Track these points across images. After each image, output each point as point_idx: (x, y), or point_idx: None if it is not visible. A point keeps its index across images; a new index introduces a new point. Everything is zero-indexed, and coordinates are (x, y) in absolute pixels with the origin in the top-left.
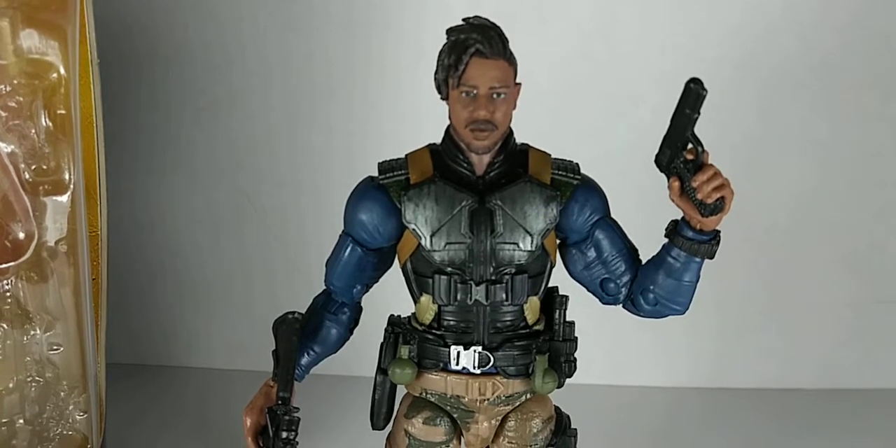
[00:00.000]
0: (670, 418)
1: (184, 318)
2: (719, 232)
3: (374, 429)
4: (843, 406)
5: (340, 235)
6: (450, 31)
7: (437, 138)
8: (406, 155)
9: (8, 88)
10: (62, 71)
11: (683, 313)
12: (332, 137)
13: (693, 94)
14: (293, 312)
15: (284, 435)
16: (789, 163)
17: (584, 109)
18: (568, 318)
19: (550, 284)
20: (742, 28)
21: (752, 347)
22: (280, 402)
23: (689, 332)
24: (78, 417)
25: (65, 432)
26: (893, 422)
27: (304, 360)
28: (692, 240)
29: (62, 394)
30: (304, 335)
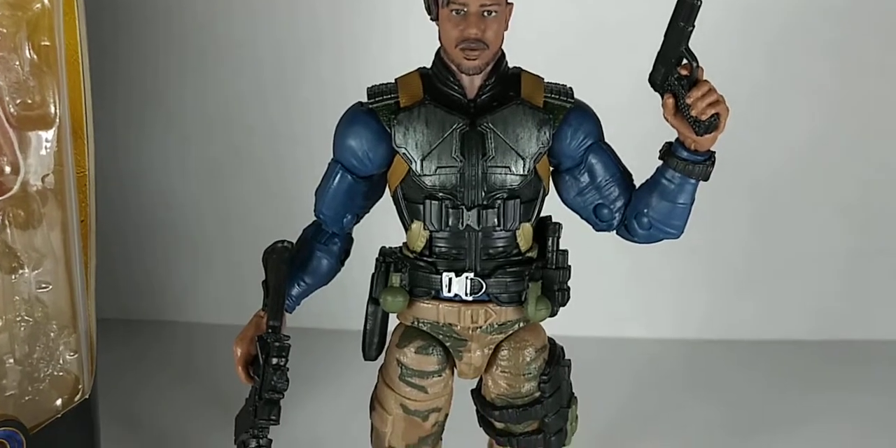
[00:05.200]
0: (657, 371)
1: (171, 273)
2: (714, 153)
3: (365, 359)
4: (835, 358)
5: (329, 163)
6: None
7: None
8: (395, 79)
9: None
10: (46, 2)
11: (678, 237)
12: (323, 88)
13: (687, 5)
14: (283, 241)
15: (275, 361)
16: (793, 111)
17: (582, 52)
18: (561, 247)
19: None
20: None
21: (744, 298)
22: (270, 330)
23: (678, 283)
24: (68, 357)
25: (55, 373)
26: (886, 373)
27: (295, 290)
28: (687, 160)
29: (52, 334)
30: (295, 266)
